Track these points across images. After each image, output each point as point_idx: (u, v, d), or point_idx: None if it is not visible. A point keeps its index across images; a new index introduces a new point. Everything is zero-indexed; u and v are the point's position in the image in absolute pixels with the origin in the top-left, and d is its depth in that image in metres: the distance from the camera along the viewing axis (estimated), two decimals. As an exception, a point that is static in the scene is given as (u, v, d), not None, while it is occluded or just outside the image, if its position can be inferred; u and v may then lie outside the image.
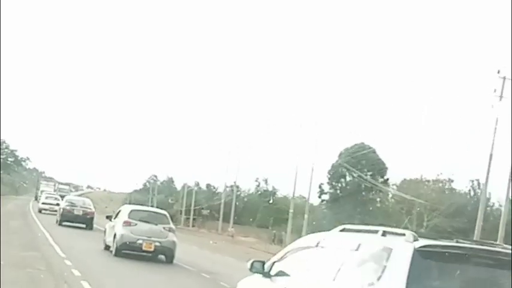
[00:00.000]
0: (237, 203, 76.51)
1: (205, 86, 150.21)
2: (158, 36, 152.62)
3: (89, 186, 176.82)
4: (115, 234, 20.89)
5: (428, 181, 53.05)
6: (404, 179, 53.65)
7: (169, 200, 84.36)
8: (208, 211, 65.99)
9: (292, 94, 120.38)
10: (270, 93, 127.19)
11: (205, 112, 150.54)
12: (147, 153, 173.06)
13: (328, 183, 58.21)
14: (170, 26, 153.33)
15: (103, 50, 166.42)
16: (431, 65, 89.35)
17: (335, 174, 56.01)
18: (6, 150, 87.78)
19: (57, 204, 49.49)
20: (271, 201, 64.10)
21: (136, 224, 20.74)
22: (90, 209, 35.28)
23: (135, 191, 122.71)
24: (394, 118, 72.70)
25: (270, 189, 73.24)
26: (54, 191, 79.96)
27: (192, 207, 63.73)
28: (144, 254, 20.49)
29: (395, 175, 58.13)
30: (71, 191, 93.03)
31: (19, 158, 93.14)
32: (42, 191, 72.47)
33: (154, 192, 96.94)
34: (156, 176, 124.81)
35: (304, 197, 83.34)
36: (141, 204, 43.68)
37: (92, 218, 34.94)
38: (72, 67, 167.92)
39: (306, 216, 43.76)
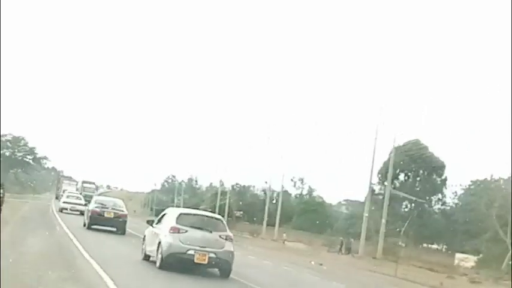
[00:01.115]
0: (272, 204, 73.23)
1: (233, 85, 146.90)
2: (171, 35, 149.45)
3: (108, 186, 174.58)
4: (160, 243, 17.59)
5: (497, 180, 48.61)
6: (477, 180, 49.71)
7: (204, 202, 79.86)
8: (241, 212, 62.23)
9: (330, 89, 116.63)
10: (305, 90, 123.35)
11: (228, 110, 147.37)
12: (164, 153, 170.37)
13: (379, 183, 54.60)
14: (183, 23, 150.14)
15: (120, 50, 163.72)
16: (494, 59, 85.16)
17: (387, 174, 51.95)
18: (25, 147, 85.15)
19: (79, 204, 48.82)
20: (304, 202, 60.56)
21: (186, 231, 17.38)
22: (123, 211, 31.94)
23: (154, 190, 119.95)
24: (451, 113, 67.82)
25: (306, 189, 69.79)
26: (77, 190, 77.44)
27: (227, 208, 58.98)
28: (196, 266, 17.19)
29: (455, 174, 54.49)
30: (96, 189, 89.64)
31: (38, 156, 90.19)
32: (64, 190, 70.21)
33: (180, 192, 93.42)
34: (174, 176, 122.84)
35: (348, 200, 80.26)
36: (170, 206, 40.30)
37: (125, 222, 31.65)
38: (86, 67, 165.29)
39: (365, 216, 39.72)
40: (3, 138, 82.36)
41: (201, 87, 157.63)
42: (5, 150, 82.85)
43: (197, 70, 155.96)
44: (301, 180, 70.99)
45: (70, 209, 47.92)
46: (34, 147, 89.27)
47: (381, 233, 38.32)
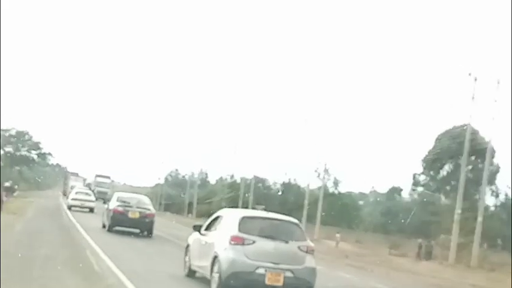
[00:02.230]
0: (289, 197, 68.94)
1: (242, 73, 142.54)
2: (176, 27, 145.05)
3: (112, 181, 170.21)
4: (216, 259, 13.51)
5: None
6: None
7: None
8: (263, 207, 57.75)
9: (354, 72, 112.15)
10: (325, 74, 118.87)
11: (238, 99, 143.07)
12: (167, 147, 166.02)
13: (423, 173, 50.20)
14: (189, 18, 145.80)
15: (124, 43, 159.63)
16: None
17: (432, 163, 47.55)
18: (29, 142, 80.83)
19: (89, 201, 45.84)
20: (331, 195, 56.13)
21: (253, 242, 13.29)
22: (150, 209, 27.83)
23: (158, 185, 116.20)
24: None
25: (332, 181, 65.32)
26: (87, 185, 73.50)
27: (251, 201, 53.88)
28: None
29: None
30: (112, 185, 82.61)
31: (43, 152, 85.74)
32: (72, 186, 66.41)
33: (193, 185, 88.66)
34: (177, 170, 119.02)
35: (374, 190, 75.89)
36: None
37: (152, 222, 27.58)
38: (87, 59, 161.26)
39: (457, 214, 34.28)
40: (6, 134, 78.01)
41: (204, 75, 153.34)
42: (8, 145, 78.48)
43: (200, 59, 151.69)
44: (326, 170, 66.39)
45: (80, 206, 44.79)
46: (39, 142, 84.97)
47: (476, 235, 33.34)
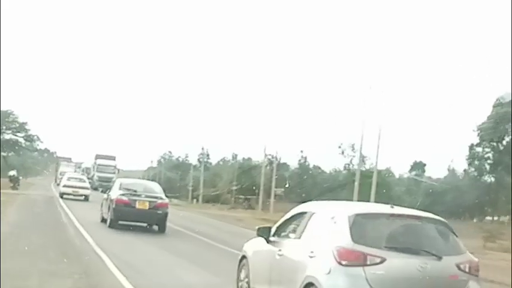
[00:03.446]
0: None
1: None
2: (171, 10, 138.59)
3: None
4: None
5: None
6: None
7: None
8: (282, 190, 52.19)
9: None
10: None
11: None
12: (158, 129, 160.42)
13: (479, 144, 44.39)
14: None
15: (118, 27, 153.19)
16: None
17: (492, 132, 41.48)
18: (14, 123, 73.61)
19: (83, 188, 41.82)
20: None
21: (382, 261, 7.77)
22: (162, 198, 22.26)
23: (150, 168, 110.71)
24: None
25: (357, 157, 59.38)
26: (84, 170, 67.47)
27: (273, 185, 47.75)
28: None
29: None
30: (118, 169, 69.30)
31: (29, 134, 77.69)
32: (61, 173, 60.68)
33: (199, 168, 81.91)
34: (170, 152, 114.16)
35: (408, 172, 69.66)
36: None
37: (166, 214, 22.02)
38: (75, 38, 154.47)
39: None
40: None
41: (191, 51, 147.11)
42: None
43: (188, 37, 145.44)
44: (352, 146, 60.34)
45: (73, 194, 40.66)
46: (25, 123, 76.64)
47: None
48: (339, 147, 61.30)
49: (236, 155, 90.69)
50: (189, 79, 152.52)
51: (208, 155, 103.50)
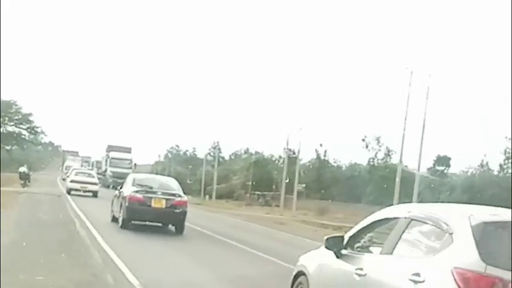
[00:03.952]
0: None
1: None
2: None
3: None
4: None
5: None
6: None
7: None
8: (304, 185, 49.57)
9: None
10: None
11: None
12: (164, 123, 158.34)
13: None
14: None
15: (128, 18, 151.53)
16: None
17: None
18: (17, 114, 70.44)
19: (92, 183, 40.38)
20: (385, 167, 47.22)
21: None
22: (180, 196, 19.86)
23: (157, 162, 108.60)
24: None
25: (383, 152, 56.48)
26: (94, 164, 64.77)
27: (296, 180, 44.39)
28: None
29: None
30: (134, 164, 61.72)
31: (33, 126, 74.41)
32: (67, 167, 58.43)
33: (212, 162, 79.04)
34: (178, 146, 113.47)
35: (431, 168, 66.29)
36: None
37: (185, 214, 19.63)
38: (78, 26, 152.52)
39: None
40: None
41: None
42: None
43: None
44: (377, 139, 57.34)
45: (82, 190, 39.31)
46: (29, 114, 72.97)
47: None
48: (363, 140, 58.18)
49: (248, 149, 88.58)
50: (197, 71, 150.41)
51: (220, 149, 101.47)
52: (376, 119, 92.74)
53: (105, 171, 60.04)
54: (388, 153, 56.35)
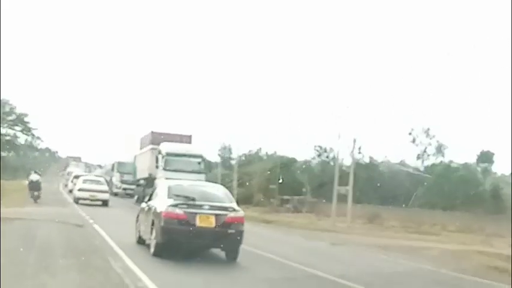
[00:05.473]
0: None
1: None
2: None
3: (99, 166, 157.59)
4: None
5: None
6: None
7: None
8: (347, 188, 44.53)
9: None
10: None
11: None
12: (165, 123, 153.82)
13: None
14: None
15: (127, 24, 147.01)
16: None
17: None
18: (12, 114, 64.91)
19: (102, 191, 38.39)
20: (440, 165, 41.96)
21: None
22: (235, 210, 14.51)
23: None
24: None
25: (434, 146, 50.83)
26: (99, 173, 59.93)
27: (335, 184, 38.56)
28: None
29: None
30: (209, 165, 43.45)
31: (29, 127, 68.87)
32: (69, 173, 54.86)
33: (223, 165, 74.38)
34: None
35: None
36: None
37: (241, 234, 14.42)
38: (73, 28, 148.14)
39: None
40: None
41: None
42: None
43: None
44: (427, 132, 51.77)
45: (90, 199, 37.58)
46: (24, 114, 67.66)
47: None
48: (410, 133, 52.87)
49: (260, 149, 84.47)
50: (196, 71, 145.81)
51: (230, 150, 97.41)
52: (423, 110, 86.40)
53: (147, 178, 40.19)
54: (439, 147, 50.79)
